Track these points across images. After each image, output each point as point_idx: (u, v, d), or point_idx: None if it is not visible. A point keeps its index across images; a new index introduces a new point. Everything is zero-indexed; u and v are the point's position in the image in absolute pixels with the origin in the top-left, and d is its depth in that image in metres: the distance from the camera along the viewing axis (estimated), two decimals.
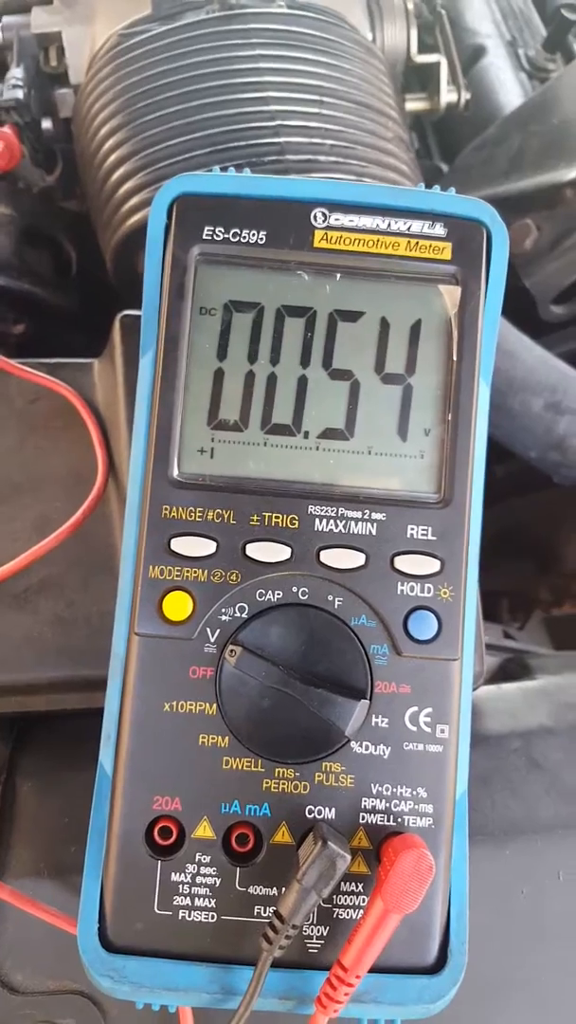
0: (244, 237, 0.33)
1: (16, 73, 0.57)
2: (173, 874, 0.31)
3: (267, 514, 0.32)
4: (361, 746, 0.32)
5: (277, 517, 0.32)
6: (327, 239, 0.33)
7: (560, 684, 0.46)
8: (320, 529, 0.32)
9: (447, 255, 0.33)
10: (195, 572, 0.32)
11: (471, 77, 0.75)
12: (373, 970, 0.30)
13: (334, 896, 0.31)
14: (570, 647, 0.75)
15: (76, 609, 0.40)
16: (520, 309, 0.59)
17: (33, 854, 0.39)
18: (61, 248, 0.60)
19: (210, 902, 0.31)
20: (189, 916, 0.31)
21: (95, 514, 0.41)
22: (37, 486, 0.42)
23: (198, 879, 0.31)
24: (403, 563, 0.32)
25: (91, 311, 0.58)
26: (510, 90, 0.75)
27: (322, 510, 0.32)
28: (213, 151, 0.46)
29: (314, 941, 0.31)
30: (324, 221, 0.33)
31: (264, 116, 0.47)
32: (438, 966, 0.32)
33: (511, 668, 0.51)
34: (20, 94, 0.56)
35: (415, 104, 0.63)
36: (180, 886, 0.31)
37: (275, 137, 0.46)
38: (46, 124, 0.60)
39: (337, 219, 0.33)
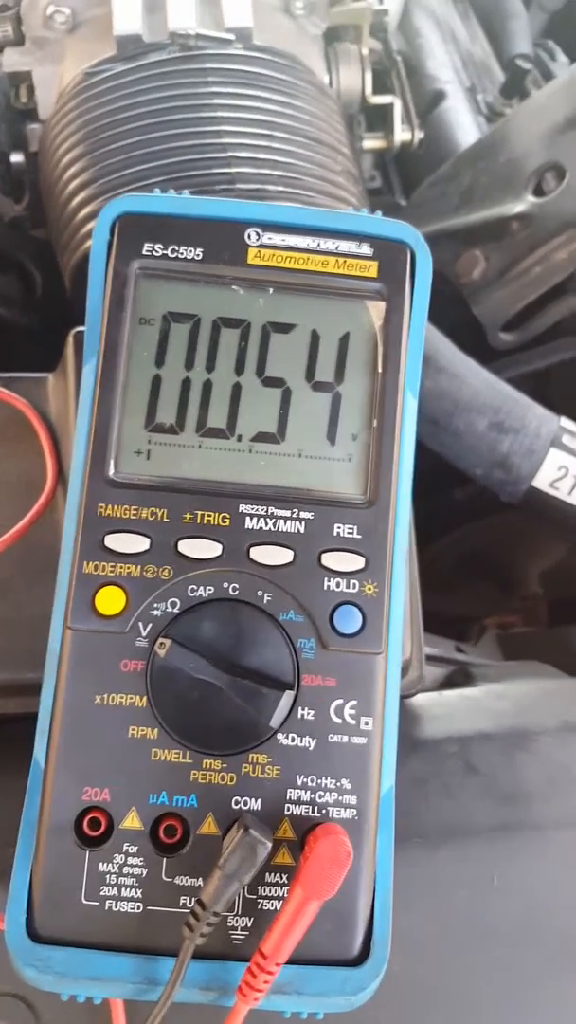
0: (182, 253, 0.35)
1: None
2: (101, 864, 0.32)
3: (200, 512, 0.33)
4: (287, 738, 0.32)
5: (209, 515, 0.33)
6: (260, 256, 0.35)
7: (499, 691, 0.47)
8: (250, 527, 0.33)
9: (373, 273, 0.35)
10: (128, 568, 0.33)
11: (431, 120, 0.79)
12: (296, 961, 0.31)
13: (258, 887, 0.32)
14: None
15: (21, 612, 0.41)
16: (471, 337, 0.61)
17: None
18: (28, 272, 0.62)
19: (136, 892, 0.32)
20: (116, 906, 0.32)
21: (43, 520, 0.43)
22: None
23: (125, 869, 0.32)
24: (329, 560, 0.33)
25: (53, 332, 0.59)
26: (468, 132, 0.78)
27: (253, 509, 0.33)
28: (168, 179, 0.48)
29: (238, 932, 0.32)
30: (258, 239, 0.35)
31: (217, 148, 0.49)
32: (361, 959, 0.32)
33: (455, 678, 0.52)
34: None
35: (372, 142, 0.66)
36: (107, 876, 0.32)
37: (227, 167, 0.48)
38: (16, 158, 0.62)
39: (270, 238, 0.35)
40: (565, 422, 0.56)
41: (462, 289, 0.63)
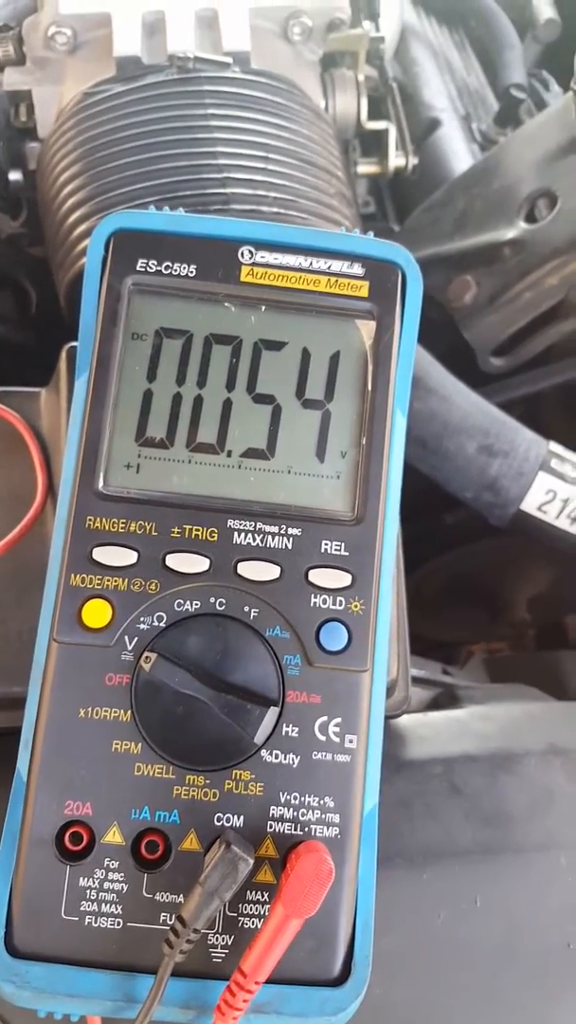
0: (175, 270, 0.35)
1: None
2: (81, 879, 0.31)
3: (188, 527, 0.33)
4: (271, 755, 0.32)
5: (197, 530, 0.33)
6: (253, 274, 0.35)
7: (484, 713, 0.47)
8: (238, 542, 0.33)
9: (364, 293, 0.35)
10: (115, 581, 0.33)
11: (427, 147, 0.81)
12: (276, 981, 0.31)
13: (239, 905, 0.32)
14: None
15: (7, 626, 0.41)
16: (462, 362, 0.62)
17: None
18: (23, 289, 0.63)
19: (117, 908, 0.31)
20: (95, 922, 0.31)
21: (32, 534, 0.43)
22: None
23: (106, 885, 0.31)
24: (316, 576, 0.33)
25: (48, 349, 0.60)
26: (462, 159, 0.80)
27: (241, 524, 0.34)
28: (164, 198, 0.49)
29: (219, 950, 0.32)
30: (251, 258, 0.35)
31: (212, 168, 0.50)
32: (341, 979, 0.32)
33: (441, 700, 0.52)
34: None
35: (367, 167, 0.67)
36: (88, 891, 0.31)
37: (222, 188, 0.49)
38: (14, 176, 0.63)
39: (263, 256, 0.35)
40: (554, 446, 0.57)
41: (454, 313, 0.63)
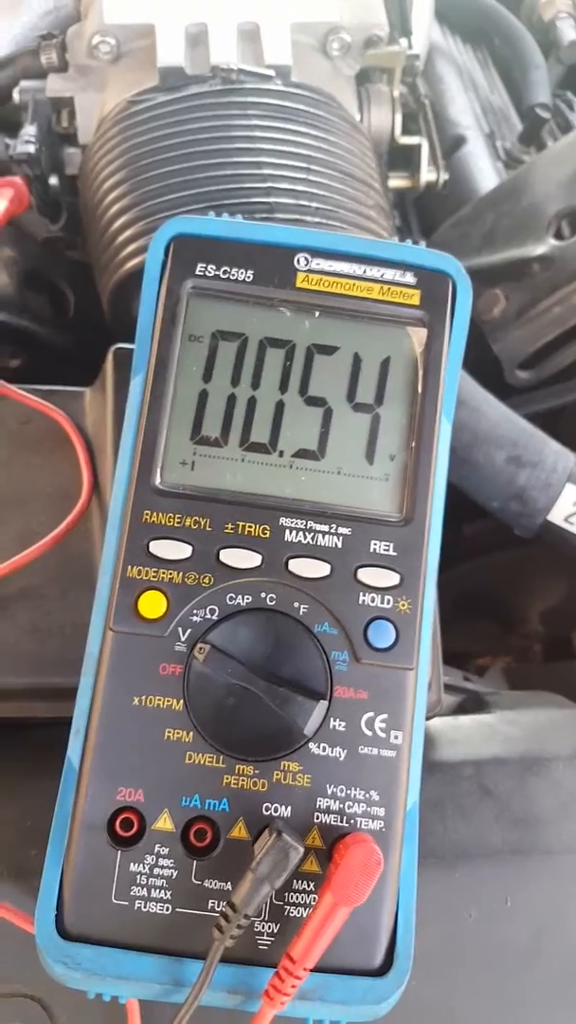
0: (233, 275, 0.36)
1: (29, 130, 0.61)
2: (132, 865, 0.32)
3: (241, 523, 0.34)
4: (319, 747, 0.33)
5: (250, 527, 0.34)
6: (308, 281, 0.36)
7: (512, 718, 0.48)
8: (290, 540, 0.34)
9: (416, 301, 0.36)
10: (170, 574, 0.34)
11: (451, 163, 0.82)
12: (321, 970, 0.32)
13: (286, 894, 0.32)
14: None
15: (52, 619, 0.42)
16: (489, 374, 0.63)
17: None
18: (60, 291, 0.64)
19: (166, 894, 0.32)
20: (145, 907, 0.32)
21: (77, 529, 0.43)
22: (24, 501, 0.44)
23: (155, 871, 0.32)
24: (365, 575, 0.34)
25: (85, 350, 0.61)
26: (487, 177, 0.81)
27: (292, 522, 0.35)
28: (209, 206, 0.50)
29: (264, 938, 0.32)
30: (307, 264, 0.36)
31: (257, 178, 0.51)
32: (384, 969, 0.33)
33: (468, 705, 0.53)
34: (32, 149, 0.60)
35: (398, 181, 0.68)
36: (138, 877, 0.32)
37: (266, 197, 0.50)
38: (53, 180, 0.64)
39: (319, 264, 0.36)
40: None
41: (482, 326, 0.65)
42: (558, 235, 0.63)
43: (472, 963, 0.41)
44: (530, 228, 0.63)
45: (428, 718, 0.46)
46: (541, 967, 0.41)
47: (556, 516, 0.56)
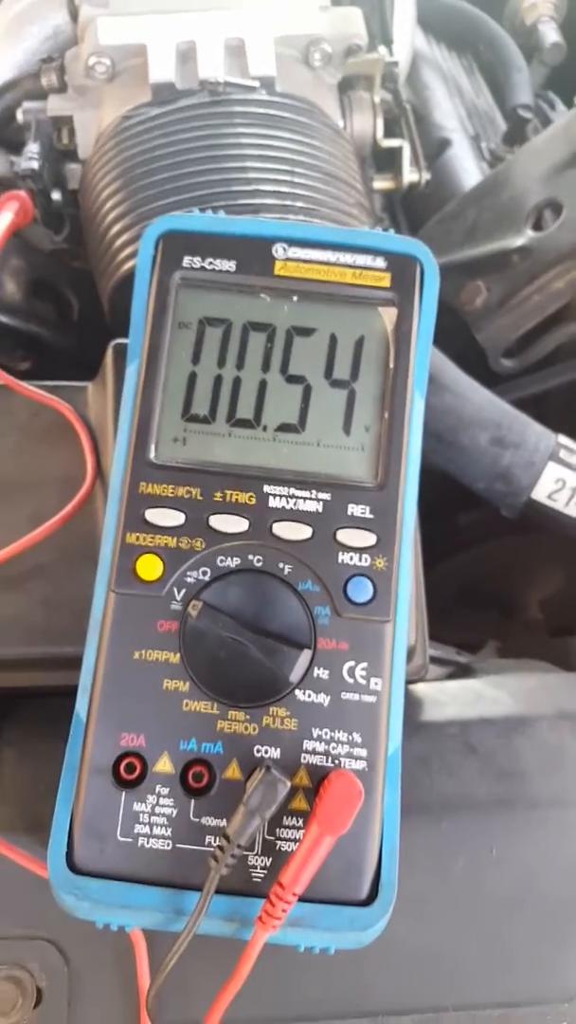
0: (217, 266, 0.39)
1: (33, 148, 0.65)
2: (135, 804, 0.35)
3: (229, 492, 0.37)
4: (304, 694, 0.36)
5: (237, 495, 0.37)
6: (286, 268, 0.40)
7: (498, 681, 0.51)
8: (274, 506, 0.37)
9: (386, 283, 0.39)
10: (165, 539, 0.37)
11: (437, 166, 0.85)
12: (311, 899, 0.34)
13: (277, 829, 0.35)
14: None
15: (61, 593, 0.45)
16: (475, 363, 0.65)
17: (10, 811, 0.42)
18: (65, 298, 0.67)
19: (167, 831, 0.35)
20: (147, 843, 0.35)
21: (83, 511, 0.47)
22: (34, 486, 0.48)
23: (157, 810, 0.35)
24: (344, 536, 0.37)
25: (88, 351, 0.64)
26: (472, 176, 0.84)
27: (276, 490, 0.37)
28: (198, 208, 0.53)
29: (258, 871, 0.35)
30: (284, 254, 0.40)
31: (243, 181, 0.54)
32: (369, 899, 0.35)
33: (456, 674, 0.55)
34: (35, 165, 0.63)
35: (382, 183, 0.71)
36: (141, 815, 0.35)
37: (252, 199, 0.54)
38: (56, 195, 0.67)
39: (295, 252, 0.40)
40: (562, 438, 0.60)
41: (466, 317, 0.67)
42: (537, 226, 0.66)
43: (460, 908, 0.43)
44: (510, 221, 0.66)
45: (414, 681, 0.48)
46: (526, 912, 0.43)
47: (539, 494, 0.59)
